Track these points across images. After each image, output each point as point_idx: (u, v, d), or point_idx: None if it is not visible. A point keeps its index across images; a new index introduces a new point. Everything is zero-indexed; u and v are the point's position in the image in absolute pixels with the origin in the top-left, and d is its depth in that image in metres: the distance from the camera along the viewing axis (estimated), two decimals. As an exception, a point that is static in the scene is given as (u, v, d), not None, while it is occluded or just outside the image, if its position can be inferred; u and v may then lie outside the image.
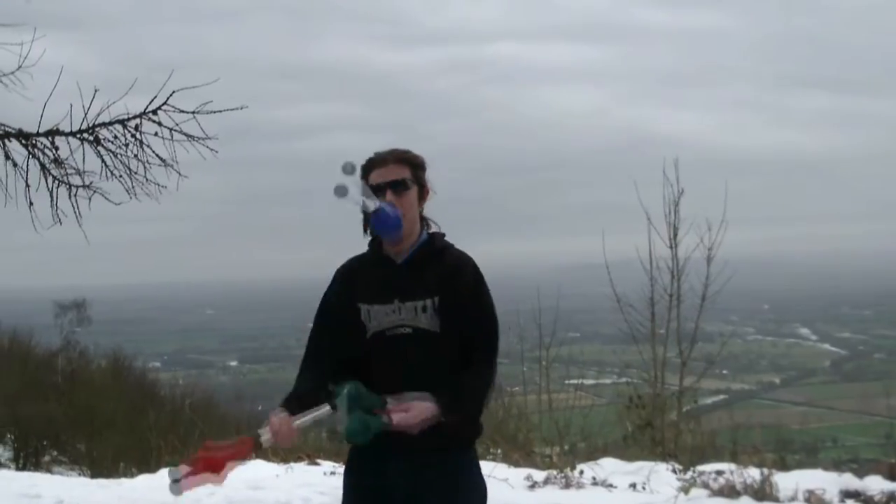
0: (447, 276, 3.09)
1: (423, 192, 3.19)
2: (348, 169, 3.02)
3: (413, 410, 2.90)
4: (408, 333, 3.05)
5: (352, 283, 3.18)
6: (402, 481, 3.02)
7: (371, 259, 3.21)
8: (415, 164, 3.16)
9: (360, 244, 3.26)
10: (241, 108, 5.94)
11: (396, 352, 3.05)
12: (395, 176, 3.09)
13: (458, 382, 2.99)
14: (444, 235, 3.25)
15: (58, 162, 6.11)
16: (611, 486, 7.65)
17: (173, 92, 5.80)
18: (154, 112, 5.91)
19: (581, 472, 7.95)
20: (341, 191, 2.95)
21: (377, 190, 3.08)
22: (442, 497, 3.03)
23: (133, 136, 6.01)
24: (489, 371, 3.08)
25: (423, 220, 3.23)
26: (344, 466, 3.24)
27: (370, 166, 3.13)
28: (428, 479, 3.02)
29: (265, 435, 2.87)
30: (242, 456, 2.88)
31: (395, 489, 3.04)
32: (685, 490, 7.09)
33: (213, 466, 2.84)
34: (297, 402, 2.98)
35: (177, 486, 2.82)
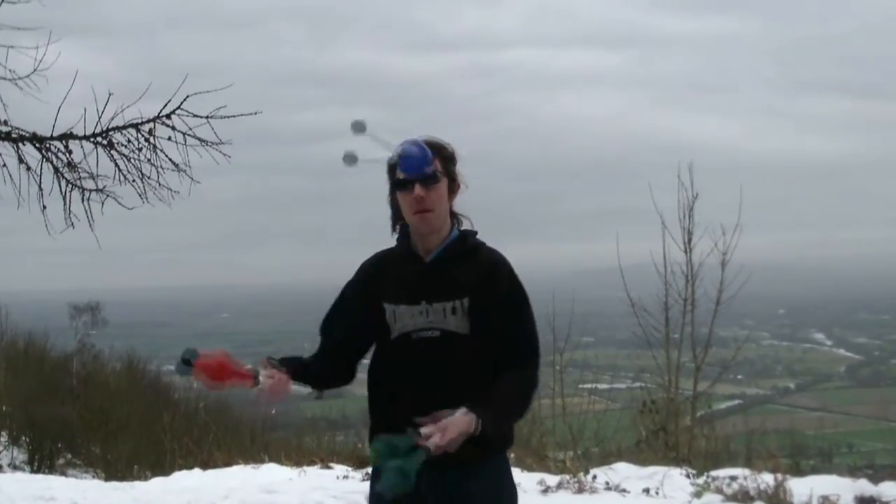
0: (480, 276, 2.92)
1: (453, 186, 2.99)
2: (358, 127, 2.84)
3: (450, 429, 2.68)
4: (435, 337, 2.90)
5: (377, 279, 3.02)
6: (435, 494, 2.87)
7: (399, 255, 3.02)
8: (444, 156, 2.96)
9: (376, 246, 3.10)
10: (256, 114, 5.94)
11: (423, 356, 2.90)
12: None
13: (496, 391, 2.82)
14: (476, 233, 3.06)
15: (71, 166, 6.11)
16: (624, 491, 7.64)
17: (187, 96, 5.81)
18: (168, 116, 5.91)
19: (594, 477, 7.94)
20: (350, 159, 2.82)
21: (405, 184, 2.89)
22: None
23: (147, 140, 6.02)
24: (531, 375, 2.93)
25: (454, 217, 3.04)
26: (369, 477, 3.08)
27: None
28: (461, 490, 2.88)
29: (263, 381, 2.86)
30: (241, 384, 2.87)
31: (427, 502, 2.88)
32: (698, 495, 7.07)
33: (222, 376, 2.85)
34: (300, 369, 2.98)
35: (186, 369, 2.84)
